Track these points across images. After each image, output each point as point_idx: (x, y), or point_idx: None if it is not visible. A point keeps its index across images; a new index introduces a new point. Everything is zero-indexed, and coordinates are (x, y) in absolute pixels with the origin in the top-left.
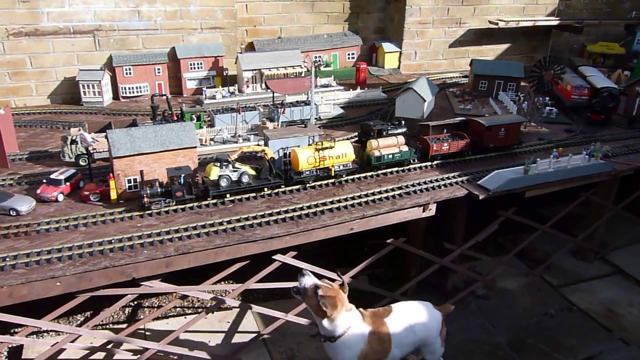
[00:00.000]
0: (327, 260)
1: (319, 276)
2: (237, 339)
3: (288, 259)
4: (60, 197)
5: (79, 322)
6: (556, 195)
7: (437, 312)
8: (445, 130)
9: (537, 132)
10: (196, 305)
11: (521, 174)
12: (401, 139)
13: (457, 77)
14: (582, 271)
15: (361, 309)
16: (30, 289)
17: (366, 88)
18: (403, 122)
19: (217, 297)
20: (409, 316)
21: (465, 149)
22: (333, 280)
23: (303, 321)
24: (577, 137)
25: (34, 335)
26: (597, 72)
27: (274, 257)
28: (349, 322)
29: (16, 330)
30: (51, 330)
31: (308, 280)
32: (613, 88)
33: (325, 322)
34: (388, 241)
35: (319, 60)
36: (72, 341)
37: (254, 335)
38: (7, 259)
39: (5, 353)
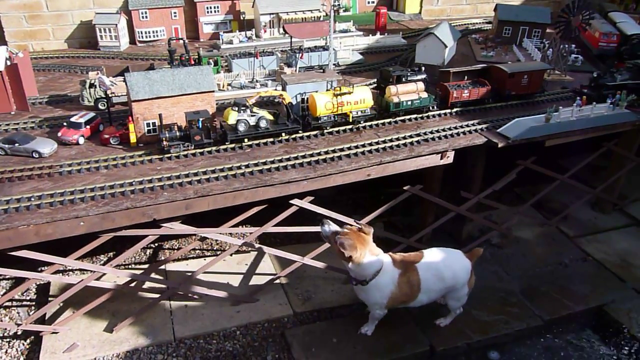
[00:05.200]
0: (343, 207)
1: (341, 223)
2: (255, 280)
3: (305, 203)
4: (81, 140)
5: (102, 262)
6: (576, 145)
7: (467, 261)
8: (466, 77)
9: (561, 81)
10: (215, 248)
11: (542, 122)
12: (421, 85)
13: (480, 23)
14: (599, 222)
15: (391, 253)
16: (55, 228)
17: (386, 34)
18: (423, 69)
19: (236, 239)
20: (439, 263)
21: (486, 97)
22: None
23: (319, 265)
24: None
25: (61, 273)
26: (628, 18)
27: (291, 201)
28: (378, 265)
29: (43, 268)
30: (77, 269)
31: (328, 229)
32: None
33: (351, 266)
34: (405, 188)
35: (338, 5)
36: (97, 279)
37: (271, 277)
38: (32, 199)
39: (34, 289)
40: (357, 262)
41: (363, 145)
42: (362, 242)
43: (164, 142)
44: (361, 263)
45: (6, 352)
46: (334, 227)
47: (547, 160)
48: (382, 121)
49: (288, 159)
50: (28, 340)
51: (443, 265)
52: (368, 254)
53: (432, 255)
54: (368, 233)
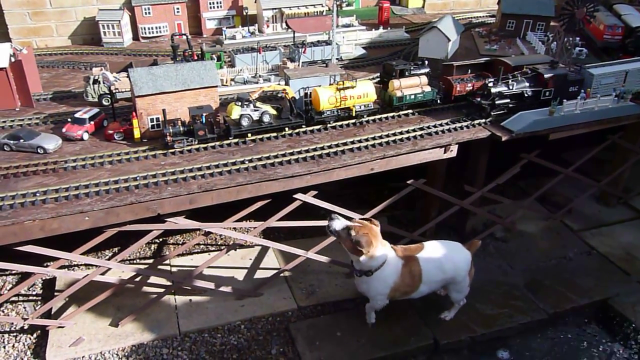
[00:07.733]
0: (347, 201)
1: (347, 217)
2: (259, 275)
3: (309, 198)
4: (85, 136)
5: (107, 256)
6: (580, 138)
7: (467, 252)
8: (469, 71)
9: None
10: (219, 243)
11: (546, 115)
12: (424, 79)
13: (483, 16)
14: (603, 216)
15: (394, 245)
16: (60, 222)
17: (389, 28)
18: (426, 62)
19: (240, 234)
20: (440, 255)
21: None
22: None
23: (323, 259)
24: None
25: (66, 268)
26: (633, 10)
27: (294, 196)
28: (385, 256)
29: (49, 263)
30: (82, 264)
31: (338, 224)
32: None
33: (363, 259)
34: (408, 182)
35: None
36: (102, 274)
37: (275, 272)
38: (38, 194)
39: (40, 284)
40: (370, 255)
41: (366, 140)
42: (375, 235)
43: (168, 138)
44: (373, 255)
45: (13, 346)
46: (345, 222)
47: (551, 154)
48: (385, 115)
49: (291, 154)
50: (35, 335)
51: (443, 256)
52: (380, 246)
53: (433, 247)
54: (377, 224)
